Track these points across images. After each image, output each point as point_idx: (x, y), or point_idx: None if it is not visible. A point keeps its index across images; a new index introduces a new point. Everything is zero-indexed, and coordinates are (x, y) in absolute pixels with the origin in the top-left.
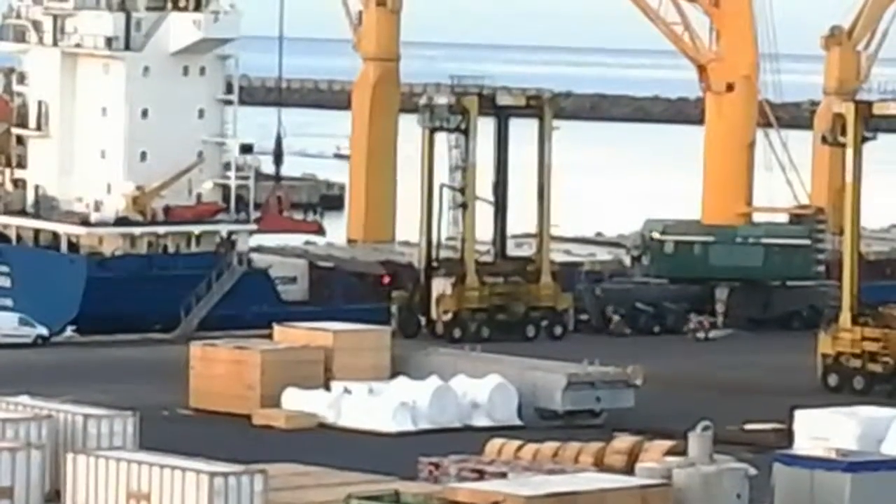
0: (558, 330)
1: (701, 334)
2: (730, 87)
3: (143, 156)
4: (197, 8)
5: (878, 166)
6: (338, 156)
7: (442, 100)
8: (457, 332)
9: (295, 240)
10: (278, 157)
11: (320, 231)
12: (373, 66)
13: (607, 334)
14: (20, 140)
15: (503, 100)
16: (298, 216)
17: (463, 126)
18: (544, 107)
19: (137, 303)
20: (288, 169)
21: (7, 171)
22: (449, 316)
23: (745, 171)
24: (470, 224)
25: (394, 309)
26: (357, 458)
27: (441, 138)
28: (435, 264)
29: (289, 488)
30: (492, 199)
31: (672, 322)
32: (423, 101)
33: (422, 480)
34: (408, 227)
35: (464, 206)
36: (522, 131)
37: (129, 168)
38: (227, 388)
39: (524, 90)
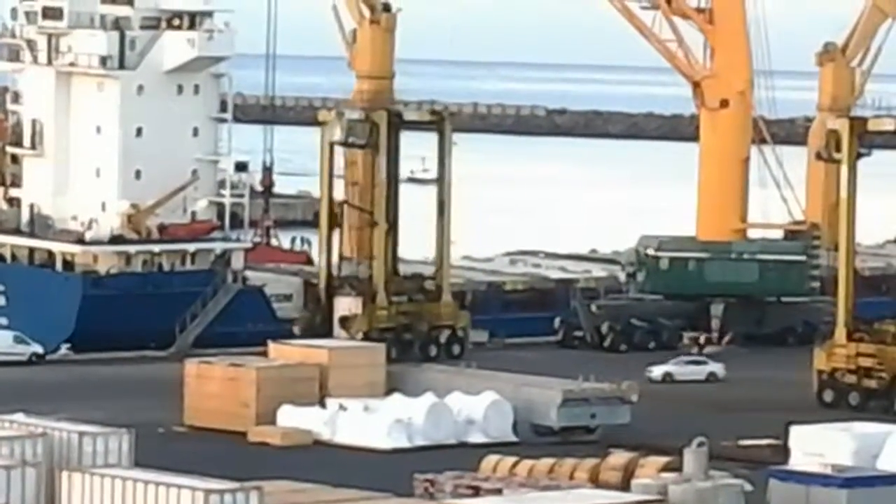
0: (456, 349)
1: (694, 350)
2: (724, 104)
3: (138, 174)
4: (191, 26)
5: (873, 182)
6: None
7: (353, 115)
8: None
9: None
10: (268, 188)
11: (309, 262)
12: (367, 84)
13: (604, 350)
14: (15, 159)
15: (409, 115)
16: (287, 243)
17: (372, 142)
18: (444, 122)
19: (133, 321)
20: (282, 187)
21: (2, 189)
22: (360, 336)
23: (739, 188)
24: (379, 242)
25: (296, 330)
26: (352, 474)
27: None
28: (336, 283)
29: None
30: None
31: (667, 338)
32: (329, 116)
33: (417, 497)
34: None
35: (372, 224)
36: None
37: (124, 186)
38: (223, 405)
39: (432, 103)
